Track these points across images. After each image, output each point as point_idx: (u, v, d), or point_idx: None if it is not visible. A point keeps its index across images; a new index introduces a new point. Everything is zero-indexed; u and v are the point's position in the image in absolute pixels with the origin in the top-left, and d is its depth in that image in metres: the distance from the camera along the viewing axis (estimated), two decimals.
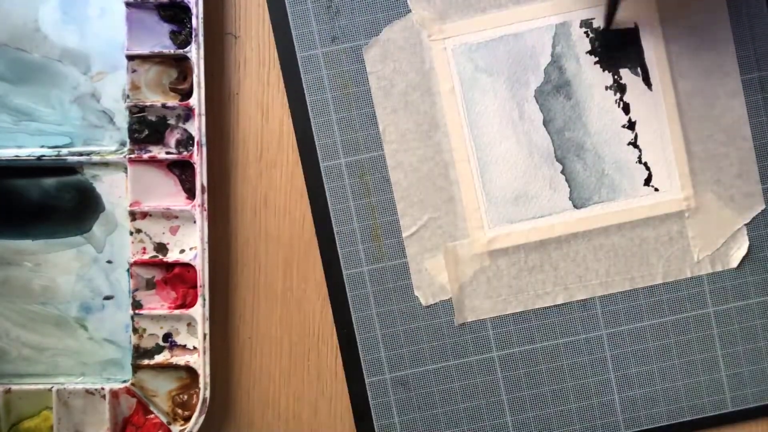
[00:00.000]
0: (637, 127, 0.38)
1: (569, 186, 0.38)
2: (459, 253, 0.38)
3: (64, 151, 0.38)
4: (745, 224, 0.38)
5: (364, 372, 0.38)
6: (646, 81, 0.37)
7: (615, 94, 0.38)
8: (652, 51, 0.37)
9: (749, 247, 0.38)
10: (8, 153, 0.38)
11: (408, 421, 0.38)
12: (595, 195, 0.38)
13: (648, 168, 0.38)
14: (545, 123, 0.38)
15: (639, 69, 0.37)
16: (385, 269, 0.38)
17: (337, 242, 0.38)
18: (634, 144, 0.38)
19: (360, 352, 0.38)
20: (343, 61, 0.38)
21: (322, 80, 0.38)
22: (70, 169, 0.38)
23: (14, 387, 0.38)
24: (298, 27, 0.38)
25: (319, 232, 0.38)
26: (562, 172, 0.38)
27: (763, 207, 0.38)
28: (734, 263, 0.38)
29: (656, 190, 0.38)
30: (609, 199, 0.38)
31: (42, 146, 0.38)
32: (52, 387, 0.37)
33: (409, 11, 0.38)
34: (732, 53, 0.37)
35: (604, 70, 0.37)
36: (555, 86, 0.37)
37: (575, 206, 0.38)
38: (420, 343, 0.38)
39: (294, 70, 0.38)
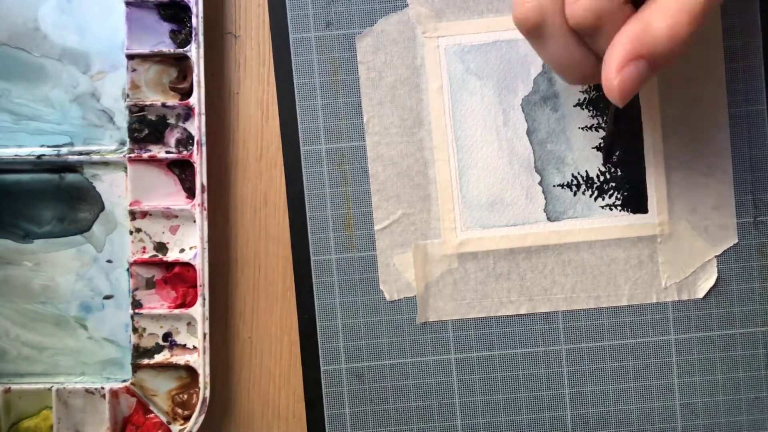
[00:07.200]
0: (620, 146, 0.37)
1: (545, 198, 0.38)
2: (429, 252, 0.38)
3: (64, 150, 0.38)
4: (716, 256, 0.38)
5: (320, 360, 0.38)
6: (635, 102, 0.37)
7: (603, 112, 0.37)
8: None
9: (717, 279, 0.38)
10: (8, 152, 0.38)
11: (359, 413, 0.38)
12: (570, 210, 0.38)
13: (626, 189, 0.38)
14: (528, 132, 0.38)
15: None
16: (353, 260, 0.38)
17: (308, 227, 0.38)
18: (615, 163, 0.38)
19: (319, 340, 0.38)
20: (335, 48, 0.38)
21: (311, 64, 0.38)
22: (70, 168, 0.38)
23: (14, 386, 0.37)
24: (294, 9, 0.38)
25: (291, 216, 0.38)
26: (540, 183, 0.38)
27: (735, 241, 0.38)
28: (701, 294, 0.38)
29: (631, 212, 0.38)
30: (583, 215, 0.38)
31: (42, 145, 0.38)
32: (51, 386, 0.37)
33: (406, 5, 0.37)
34: (723, 85, 0.37)
35: (594, 86, 0.37)
36: (543, 97, 0.37)
37: (549, 219, 0.38)
38: (380, 337, 0.38)
39: (285, 51, 0.38)
